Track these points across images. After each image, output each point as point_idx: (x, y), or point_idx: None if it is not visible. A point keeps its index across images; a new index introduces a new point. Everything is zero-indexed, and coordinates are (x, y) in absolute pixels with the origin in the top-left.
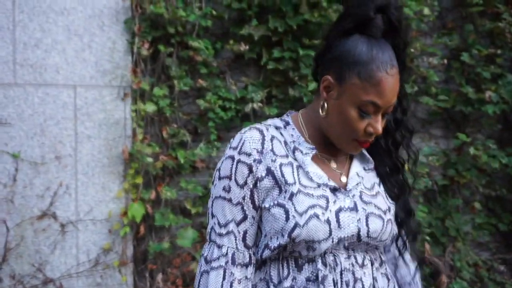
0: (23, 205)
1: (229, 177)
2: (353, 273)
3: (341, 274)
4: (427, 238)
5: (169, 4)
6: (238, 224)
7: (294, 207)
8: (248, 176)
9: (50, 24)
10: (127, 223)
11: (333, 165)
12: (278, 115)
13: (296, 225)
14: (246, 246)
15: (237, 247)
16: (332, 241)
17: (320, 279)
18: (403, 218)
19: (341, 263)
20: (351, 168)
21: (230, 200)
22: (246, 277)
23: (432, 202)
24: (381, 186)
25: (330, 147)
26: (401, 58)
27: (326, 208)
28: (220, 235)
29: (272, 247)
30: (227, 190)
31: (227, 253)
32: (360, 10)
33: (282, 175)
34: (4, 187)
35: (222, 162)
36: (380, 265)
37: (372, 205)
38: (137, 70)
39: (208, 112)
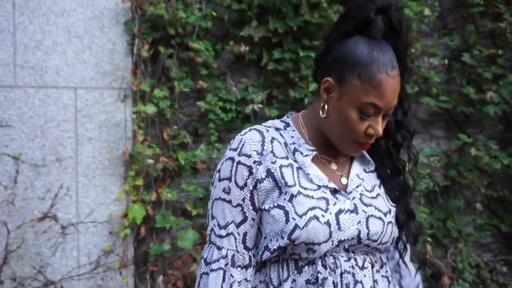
0: (24, 207)
1: (229, 179)
2: (354, 276)
3: (341, 277)
4: (429, 239)
5: (169, 5)
6: (238, 225)
7: (294, 209)
8: (248, 177)
9: (50, 26)
10: (127, 225)
11: (334, 166)
12: (279, 116)
13: (296, 227)
14: (246, 248)
15: (237, 249)
16: (332, 243)
17: (320, 281)
18: (404, 220)
19: (341, 265)
20: (352, 169)
21: (230, 202)
22: (246, 279)
23: (433, 203)
24: (382, 188)
25: (331, 149)
26: (402, 60)
27: (326, 210)
28: (220, 236)
29: (271, 249)
30: (227, 191)
31: (226, 255)
32: (360, 12)
33: (282, 177)
34: (5, 189)
35: (222, 163)
36: (381, 267)
37: (372, 207)
38: (137, 72)
39: (208, 114)
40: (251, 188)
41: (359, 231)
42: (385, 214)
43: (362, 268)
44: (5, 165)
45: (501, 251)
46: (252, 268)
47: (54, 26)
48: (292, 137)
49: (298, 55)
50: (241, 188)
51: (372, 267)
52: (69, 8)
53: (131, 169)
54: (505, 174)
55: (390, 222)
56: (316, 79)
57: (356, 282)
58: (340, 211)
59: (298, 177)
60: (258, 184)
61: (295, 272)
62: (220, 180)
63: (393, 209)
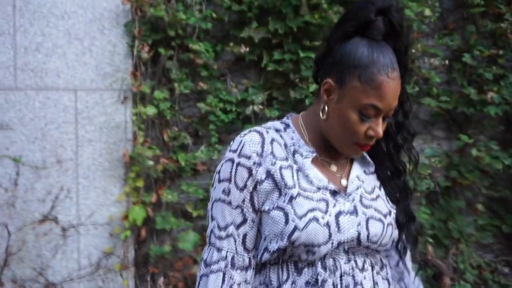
0: (25, 209)
1: (229, 180)
2: (353, 277)
3: (341, 278)
4: (430, 240)
5: (169, 7)
6: (237, 227)
7: (294, 210)
8: (248, 179)
9: (51, 28)
10: (128, 227)
11: (333, 168)
12: (279, 118)
13: (295, 228)
14: (245, 249)
15: (236, 250)
16: (332, 245)
17: (319, 283)
18: (404, 222)
19: (341, 266)
20: (352, 171)
21: (229, 203)
22: (246, 281)
23: (434, 203)
24: (382, 189)
25: (331, 150)
26: (402, 61)
27: (326, 212)
28: (220, 238)
29: (271, 250)
30: (227, 193)
31: (226, 257)
32: (361, 13)
33: (282, 178)
34: (5, 191)
35: (222, 165)
36: (381, 268)
37: (372, 208)
38: (137, 73)
39: (209, 115)
40: (251, 189)
41: (359, 233)
42: (385, 216)
43: (362, 269)
44: (6, 167)
45: (502, 252)
46: (252, 269)
47: (55, 28)
48: (292, 138)
49: (298, 56)
50: (241, 189)
51: (372, 268)
52: (69, 10)
53: (131, 170)
54: (506, 175)
55: (390, 223)
56: (316, 81)
57: (356, 283)
58: (340, 213)
59: (297, 179)
60: (258, 185)
61: (295, 273)
62: (220, 181)
63: (393, 211)
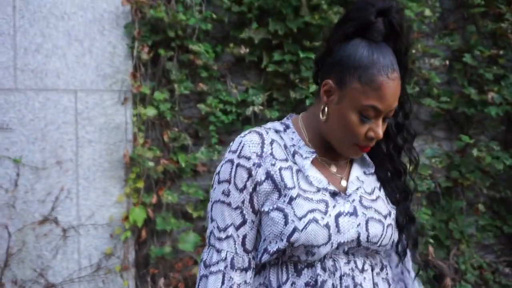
0: (25, 210)
1: (229, 181)
2: (353, 278)
3: (340, 279)
4: (431, 240)
5: (169, 8)
6: (237, 228)
7: (293, 211)
8: (248, 180)
9: (51, 29)
10: (128, 228)
11: (333, 169)
12: (279, 118)
13: (295, 229)
14: (245, 250)
15: (236, 252)
16: (332, 246)
17: (319, 284)
18: (404, 223)
19: (340, 268)
20: (351, 172)
21: (229, 204)
22: (246, 282)
23: (435, 204)
24: (382, 190)
25: (330, 151)
26: (403, 62)
27: (326, 213)
28: (219, 239)
29: (271, 252)
30: (227, 194)
31: (226, 258)
32: (361, 14)
33: (282, 179)
34: (5, 192)
35: (222, 165)
36: (381, 270)
37: (372, 209)
38: (137, 74)
39: (209, 116)
40: (251, 190)
41: (359, 234)
42: (385, 217)
43: (362, 270)
44: (6, 168)
45: (503, 252)
46: (251, 270)
47: (54, 29)
48: (292, 139)
49: (298, 56)
50: (241, 190)
51: (372, 269)
52: (69, 11)
53: (131, 171)
54: (507, 175)
55: (390, 224)
56: (316, 81)
57: (355, 284)
58: (339, 214)
59: (297, 180)
60: (258, 186)
61: (295, 274)
62: (219, 182)
63: (393, 212)
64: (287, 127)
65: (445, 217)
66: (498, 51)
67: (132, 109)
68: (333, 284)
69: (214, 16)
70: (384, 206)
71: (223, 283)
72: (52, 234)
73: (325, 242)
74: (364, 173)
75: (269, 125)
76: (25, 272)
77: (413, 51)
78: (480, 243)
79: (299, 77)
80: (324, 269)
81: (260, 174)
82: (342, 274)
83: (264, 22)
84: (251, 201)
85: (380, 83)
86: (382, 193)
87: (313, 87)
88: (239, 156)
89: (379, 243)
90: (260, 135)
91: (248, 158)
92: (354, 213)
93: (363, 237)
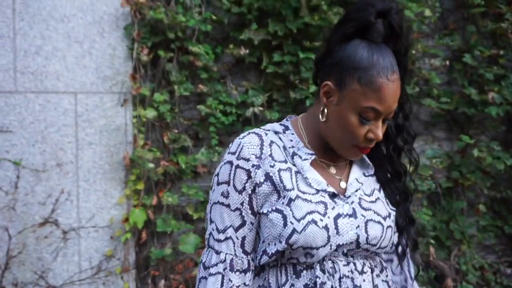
0: (25, 212)
1: (228, 183)
2: (352, 280)
3: (340, 281)
4: (432, 241)
5: (168, 9)
6: (236, 230)
7: (292, 213)
8: (247, 181)
9: (51, 32)
10: (128, 230)
11: (333, 170)
12: (279, 119)
13: (293, 231)
14: (244, 252)
15: (235, 253)
16: (331, 248)
17: (318, 286)
18: (403, 224)
19: (340, 269)
20: (351, 173)
21: (228, 206)
22: (245, 284)
23: (436, 205)
24: (381, 191)
25: (330, 153)
26: (402, 63)
27: (325, 214)
28: (219, 241)
29: (270, 253)
30: (226, 195)
31: (225, 259)
32: (360, 15)
33: (281, 181)
34: (6, 194)
35: (221, 167)
36: (381, 271)
37: (371, 211)
38: (137, 76)
39: (209, 117)
40: (250, 192)
41: (358, 236)
42: (384, 218)
43: (362, 272)
44: (6, 170)
45: (505, 253)
46: (250, 272)
47: (54, 32)
48: (291, 140)
49: (298, 57)
50: (240, 192)
51: (372, 271)
52: (69, 13)
53: (131, 173)
54: (508, 175)
55: (390, 226)
56: (316, 82)
57: (355, 286)
58: (338, 216)
59: (296, 181)
60: (257, 188)
61: (294, 276)
62: (218, 184)
63: (393, 213)
64: (286, 128)
65: (446, 218)
66: (498, 51)
67: (132, 110)
68: (332, 286)
69: (214, 17)
70: (383, 207)
71: (222, 285)
72: (53, 236)
73: (324, 243)
74: (364, 174)
75: (268, 126)
76: (26, 274)
77: (413, 51)
78: (481, 243)
79: (299, 77)
80: (323, 271)
81: (259, 176)
82: (341, 276)
83: (264, 23)
84: (250, 202)
85: (379, 84)
86: (381, 195)
87: (313, 88)
88: (238, 158)
89: (378, 245)
90: (259, 136)
91: (247, 160)
92: (353, 214)
93: (362, 239)
